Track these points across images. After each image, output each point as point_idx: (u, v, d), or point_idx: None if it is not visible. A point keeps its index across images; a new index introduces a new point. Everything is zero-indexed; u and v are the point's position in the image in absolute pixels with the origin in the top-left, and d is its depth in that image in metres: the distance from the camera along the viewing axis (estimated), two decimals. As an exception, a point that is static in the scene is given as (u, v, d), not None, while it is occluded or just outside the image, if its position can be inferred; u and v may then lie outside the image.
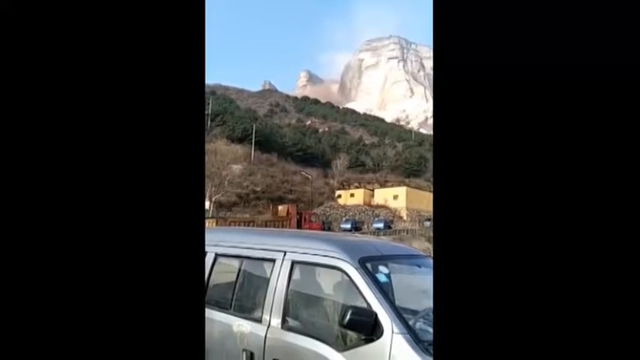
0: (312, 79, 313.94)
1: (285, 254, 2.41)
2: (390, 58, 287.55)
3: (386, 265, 2.31)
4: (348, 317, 1.89)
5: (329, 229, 31.82)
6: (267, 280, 2.41)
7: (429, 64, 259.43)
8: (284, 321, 2.26)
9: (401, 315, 1.96)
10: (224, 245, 2.84)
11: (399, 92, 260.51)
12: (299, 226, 29.84)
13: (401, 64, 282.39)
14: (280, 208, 33.86)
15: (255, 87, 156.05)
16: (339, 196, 46.38)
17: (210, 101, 63.07)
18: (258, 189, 43.47)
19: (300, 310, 2.44)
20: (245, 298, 2.64)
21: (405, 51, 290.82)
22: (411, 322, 1.97)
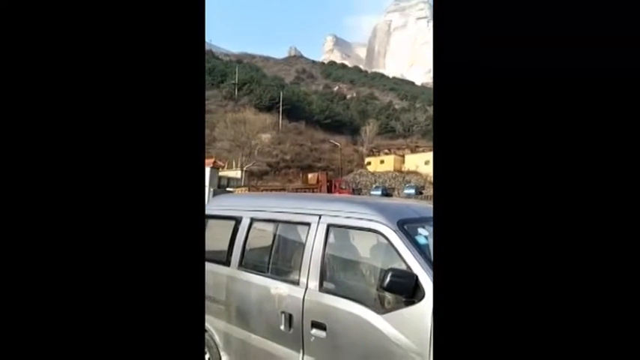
0: (339, 43, 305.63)
1: (320, 218, 2.38)
2: (419, 18, 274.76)
3: (424, 227, 2.23)
4: (388, 279, 1.86)
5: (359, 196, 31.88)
6: (303, 244, 2.40)
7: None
8: (321, 284, 2.25)
9: (442, 277, 1.90)
10: (259, 210, 2.84)
11: (429, 54, 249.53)
12: (329, 193, 30.05)
13: (430, 23, 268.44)
14: (310, 176, 34.12)
15: (281, 54, 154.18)
16: (369, 163, 46.04)
17: (237, 70, 62.92)
18: (288, 157, 43.78)
19: (337, 273, 2.43)
20: (281, 261, 2.65)
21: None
22: (452, 285, 1.92)
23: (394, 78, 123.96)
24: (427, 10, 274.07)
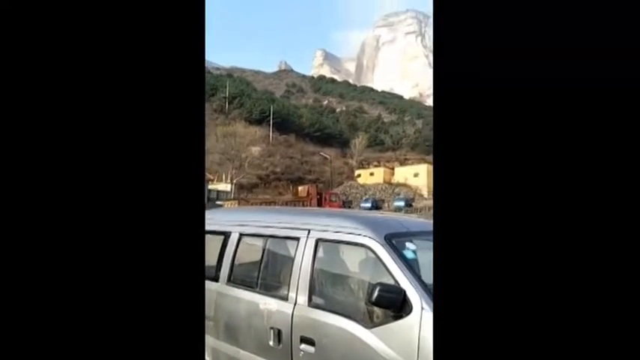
0: (329, 57, 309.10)
1: (309, 232, 2.39)
2: (407, 33, 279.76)
3: (412, 241, 2.26)
4: (376, 294, 1.87)
5: (349, 209, 31.88)
6: (292, 259, 2.40)
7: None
8: (310, 298, 2.26)
9: (429, 290, 1.92)
10: (248, 225, 2.84)
11: (417, 68, 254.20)
12: (319, 205, 30.01)
13: (419, 38, 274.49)
14: (300, 188, 34.09)
15: (271, 68, 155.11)
16: (359, 175, 46.25)
17: (227, 84, 63.12)
18: (278, 170, 43.78)
19: (326, 288, 2.44)
20: (270, 276, 2.65)
21: (423, 25, 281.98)
22: (439, 299, 1.94)
23: (383, 92, 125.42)
24: (415, 26, 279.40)
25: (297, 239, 2.41)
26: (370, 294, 1.90)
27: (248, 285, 2.61)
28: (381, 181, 43.86)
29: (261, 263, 2.66)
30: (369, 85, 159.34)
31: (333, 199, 32.72)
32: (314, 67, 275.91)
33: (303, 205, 28.76)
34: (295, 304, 2.27)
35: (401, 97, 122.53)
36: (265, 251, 2.68)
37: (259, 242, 2.75)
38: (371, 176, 45.19)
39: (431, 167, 43.35)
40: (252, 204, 26.10)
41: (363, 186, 42.83)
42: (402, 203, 34.95)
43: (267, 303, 2.41)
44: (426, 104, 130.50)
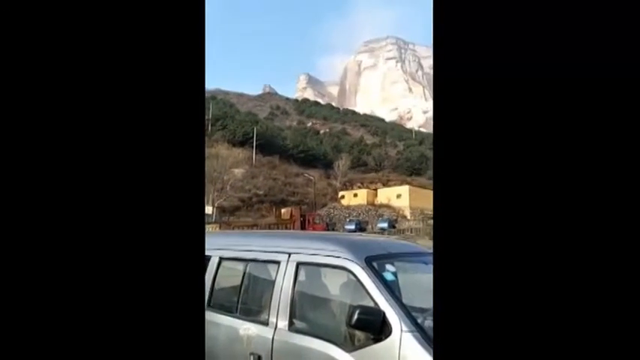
0: (312, 81, 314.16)
1: (289, 256, 2.38)
2: (388, 59, 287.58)
3: (392, 264, 2.28)
4: (355, 317, 1.87)
5: (333, 230, 31.77)
6: (273, 283, 2.38)
7: (426, 63, 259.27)
8: (291, 323, 2.23)
9: (409, 313, 1.93)
10: (228, 249, 2.82)
11: (398, 92, 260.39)
12: (303, 228, 29.83)
13: (399, 64, 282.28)
14: (283, 210, 33.89)
15: (255, 91, 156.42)
16: (343, 196, 46.32)
17: (211, 106, 63.14)
18: (261, 192, 43.49)
19: (307, 312, 2.42)
20: (251, 301, 2.61)
21: (403, 51, 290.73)
22: (419, 320, 1.95)
23: (365, 115, 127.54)
24: (395, 52, 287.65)
25: (278, 263, 2.40)
26: (350, 317, 1.90)
27: (228, 310, 2.57)
28: (364, 202, 44.01)
29: (241, 287, 2.62)
30: (352, 108, 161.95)
31: (317, 221, 32.60)
32: (298, 90, 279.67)
33: (287, 228, 28.54)
34: (276, 329, 2.24)
35: (382, 120, 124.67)
36: (245, 275, 2.65)
37: (239, 266, 2.73)
38: (355, 197, 45.33)
39: (413, 188, 43.88)
40: (233, 227, 25.76)
41: (347, 207, 42.87)
42: (385, 225, 35.04)
43: (247, 328, 2.37)
44: (407, 127, 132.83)
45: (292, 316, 2.25)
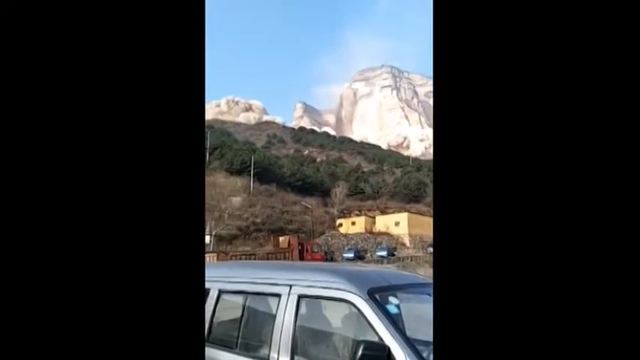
0: (308, 110, 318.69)
1: (290, 288, 2.34)
2: (383, 87, 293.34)
3: (395, 296, 2.24)
4: (360, 353, 1.82)
5: (331, 259, 31.39)
6: (274, 317, 2.33)
7: (421, 90, 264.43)
8: (292, 358, 2.16)
9: (414, 347, 1.88)
10: (227, 281, 2.77)
11: (393, 120, 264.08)
12: (301, 256, 29.47)
13: (394, 92, 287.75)
14: (281, 239, 33.55)
15: (252, 120, 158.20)
16: (340, 224, 46.09)
17: (209, 135, 63.67)
18: (259, 220, 43.20)
19: (309, 347, 2.35)
20: (251, 335, 2.54)
21: (398, 79, 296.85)
22: (424, 355, 1.89)
23: (361, 142, 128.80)
24: (390, 80, 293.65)
25: (279, 296, 2.36)
26: (354, 352, 1.85)
27: (227, 345, 2.49)
28: (362, 230, 43.77)
29: (241, 321, 2.56)
30: (349, 135, 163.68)
31: (315, 250, 32.25)
32: (294, 118, 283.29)
33: (285, 257, 28.18)
34: (277, 366, 2.18)
35: (379, 148, 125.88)
36: (245, 308, 2.59)
37: (239, 299, 2.67)
38: (353, 225, 45.11)
39: (412, 216, 43.74)
40: (231, 257, 25.43)
41: (345, 235, 42.58)
42: (384, 253, 34.70)
43: (247, 365, 2.30)
44: (404, 154, 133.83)
45: (294, 351, 2.19)
